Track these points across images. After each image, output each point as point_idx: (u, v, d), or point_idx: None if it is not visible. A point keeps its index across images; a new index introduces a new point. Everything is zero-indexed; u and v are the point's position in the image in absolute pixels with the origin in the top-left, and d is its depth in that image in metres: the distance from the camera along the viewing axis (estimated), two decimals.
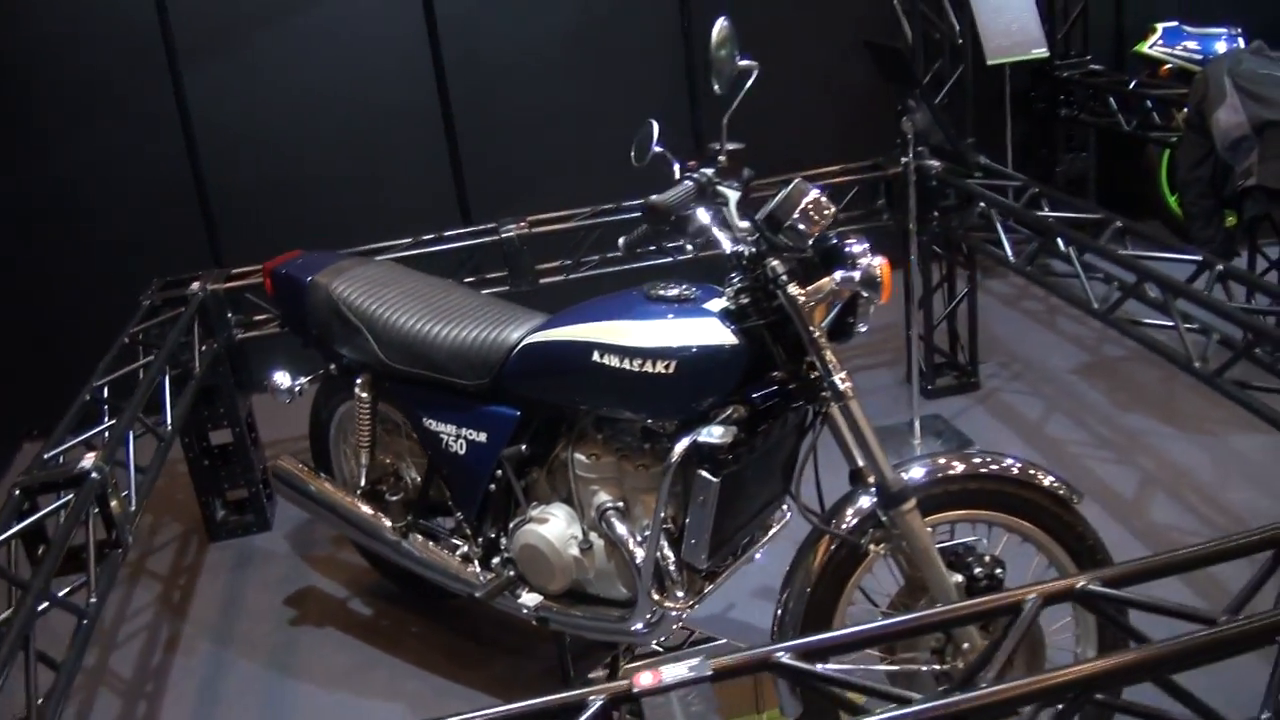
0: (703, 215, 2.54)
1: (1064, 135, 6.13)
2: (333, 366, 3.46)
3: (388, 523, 3.37)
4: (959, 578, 2.49)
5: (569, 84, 5.63)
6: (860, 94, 5.65)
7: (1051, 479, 2.59)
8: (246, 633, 3.81)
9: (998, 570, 2.53)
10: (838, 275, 2.46)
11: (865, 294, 2.49)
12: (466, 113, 5.57)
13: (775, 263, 2.47)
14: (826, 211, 2.44)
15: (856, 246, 2.50)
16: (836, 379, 2.48)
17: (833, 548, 2.58)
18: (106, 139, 5.31)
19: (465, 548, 3.19)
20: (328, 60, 5.43)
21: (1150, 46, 5.74)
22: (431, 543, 3.30)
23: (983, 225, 4.16)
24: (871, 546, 2.54)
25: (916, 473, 2.57)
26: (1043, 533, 2.59)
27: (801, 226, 2.43)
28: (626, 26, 5.59)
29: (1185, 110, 4.72)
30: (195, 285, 4.18)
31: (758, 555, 2.98)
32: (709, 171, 2.53)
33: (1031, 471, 2.58)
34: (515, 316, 3.05)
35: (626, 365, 2.62)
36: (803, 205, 2.43)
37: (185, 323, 3.94)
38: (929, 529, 2.51)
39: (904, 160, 4.02)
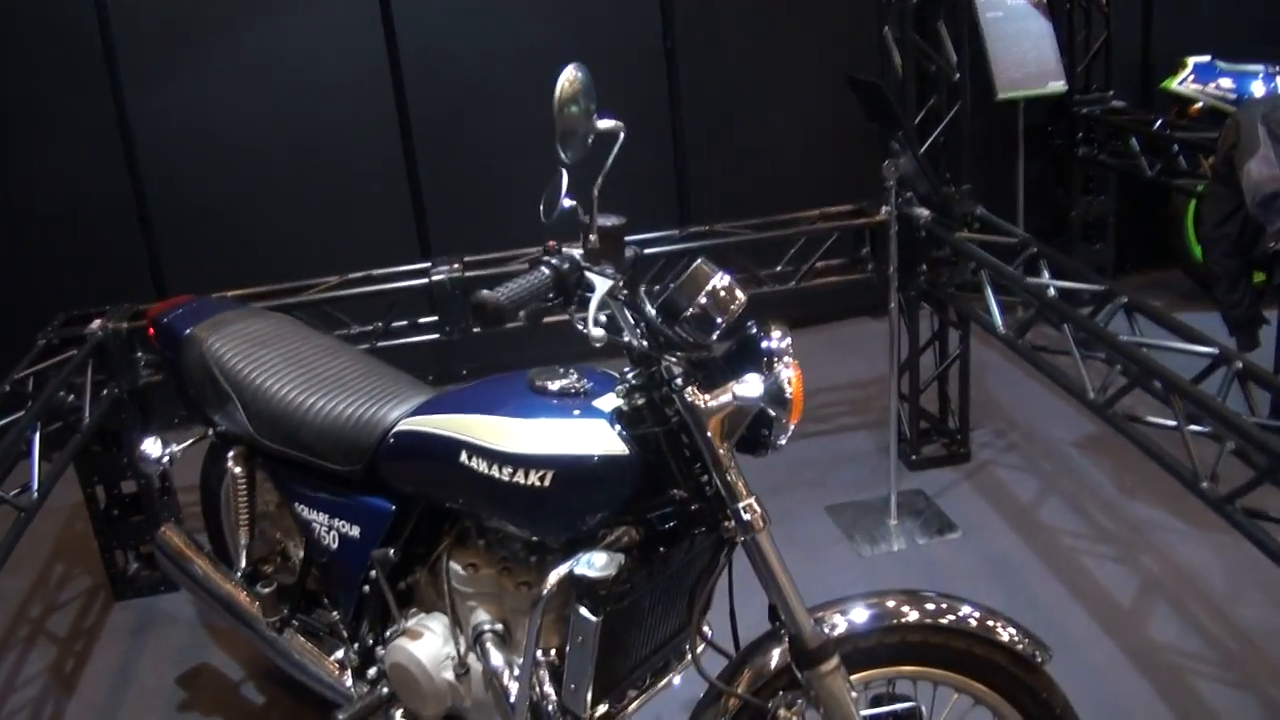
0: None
1: (1082, 176, 5.62)
2: (210, 432, 3.05)
3: (262, 615, 2.95)
4: None
5: (540, 106, 5.19)
6: (853, 133, 5.19)
7: (1013, 633, 2.11)
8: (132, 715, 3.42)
9: None
10: (735, 389, 2.00)
11: (771, 412, 2.04)
12: (428, 136, 5.17)
13: (671, 361, 2.02)
14: (736, 300, 1.99)
15: (777, 342, 2.05)
16: (740, 507, 2.02)
17: (735, 710, 2.12)
18: (44, 156, 4.93)
19: (342, 653, 2.77)
20: (281, 76, 5.04)
21: (1180, 83, 5.22)
22: (309, 642, 2.88)
23: (974, 284, 3.69)
24: (782, 711, 2.08)
25: (849, 619, 2.11)
26: (1000, 698, 2.13)
27: (703, 317, 1.98)
28: (604, 45, 5.14)
29: (1213, 158, 4.21)
30: (95, 324, 3.78)
31: (676, 680, 2.52)
32: (576, 254, 2.06)
33: (991, 623, 2.11)
34: (399, 392, 2.62)
35: (496, 472, 2.18)
36: (707, 290, 1.98)
37: (74, 366, 3.55)
38: (857, 690, 2.05)
39: (884, 209, 3.56)
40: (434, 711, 2.50)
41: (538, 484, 2.13)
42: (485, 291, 1.85)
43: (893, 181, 3.46)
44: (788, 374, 1.96)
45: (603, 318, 2.04)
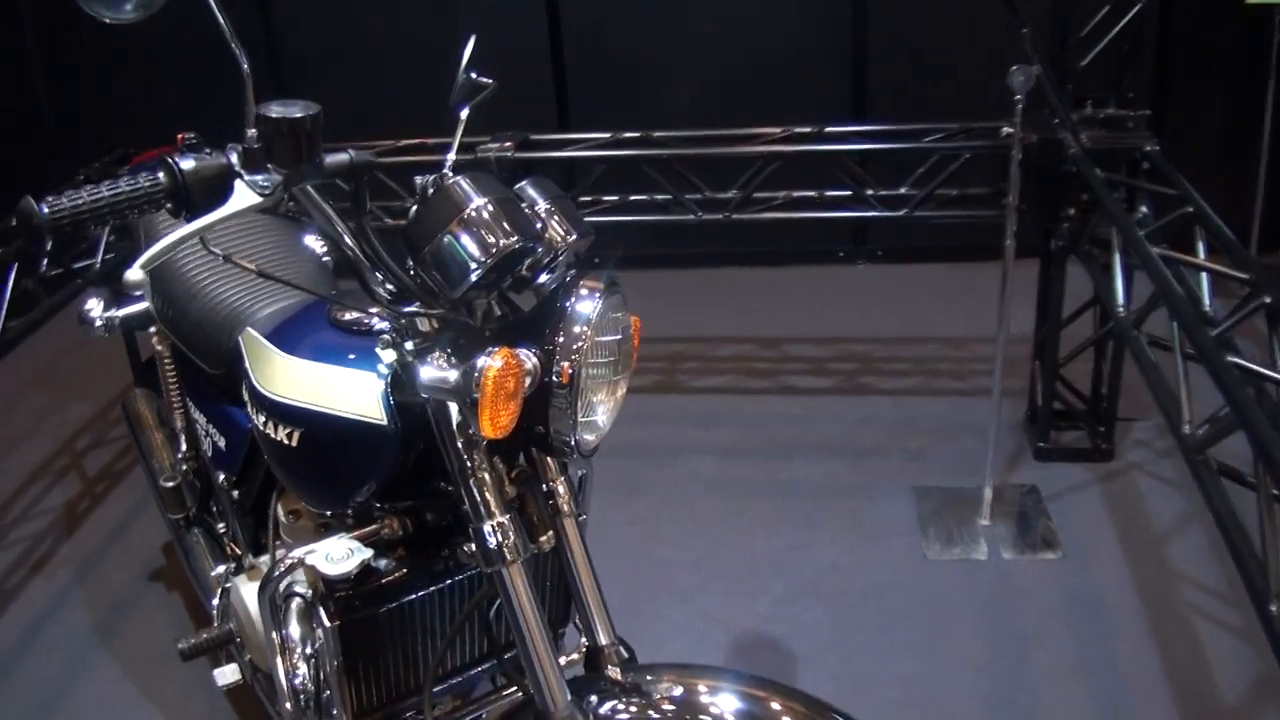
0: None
1: None
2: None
3: (170, 509, 2.64)
4: None
5: None
6: None
7: None
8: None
9: None
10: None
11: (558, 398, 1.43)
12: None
13: (412, 315, 1.46)
14: (499, 237, 1.39)
15: (579, 303, 1.45)
16: (486, 528, 1.46)
17: None
18: None
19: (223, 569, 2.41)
20: None
21: None
22: (208, 551, 2.55)
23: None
24: None
25: (620, 709, 1.54)
26: None
27: (448, 258, 1.40)
28: None
29: None
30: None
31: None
32: (230, 157, 1.43)
33: None
34: (278, 294, 2.16)
35: (258, 416, 1.73)
36: (458, 219, 1.39)
37: None
38: None
39: (1005, 130, 2.78)
40: (262, 663, 2.10)
41: (285, 440, 1.69)
42: (31, 199, 1.32)
43: (1020, 93, 2.67)
44: (493, 364, 1.33)
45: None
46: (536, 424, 1.46)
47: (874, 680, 2.69)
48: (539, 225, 1.49)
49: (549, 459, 1.63)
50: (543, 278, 1.49)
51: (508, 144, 3.33)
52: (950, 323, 4.31)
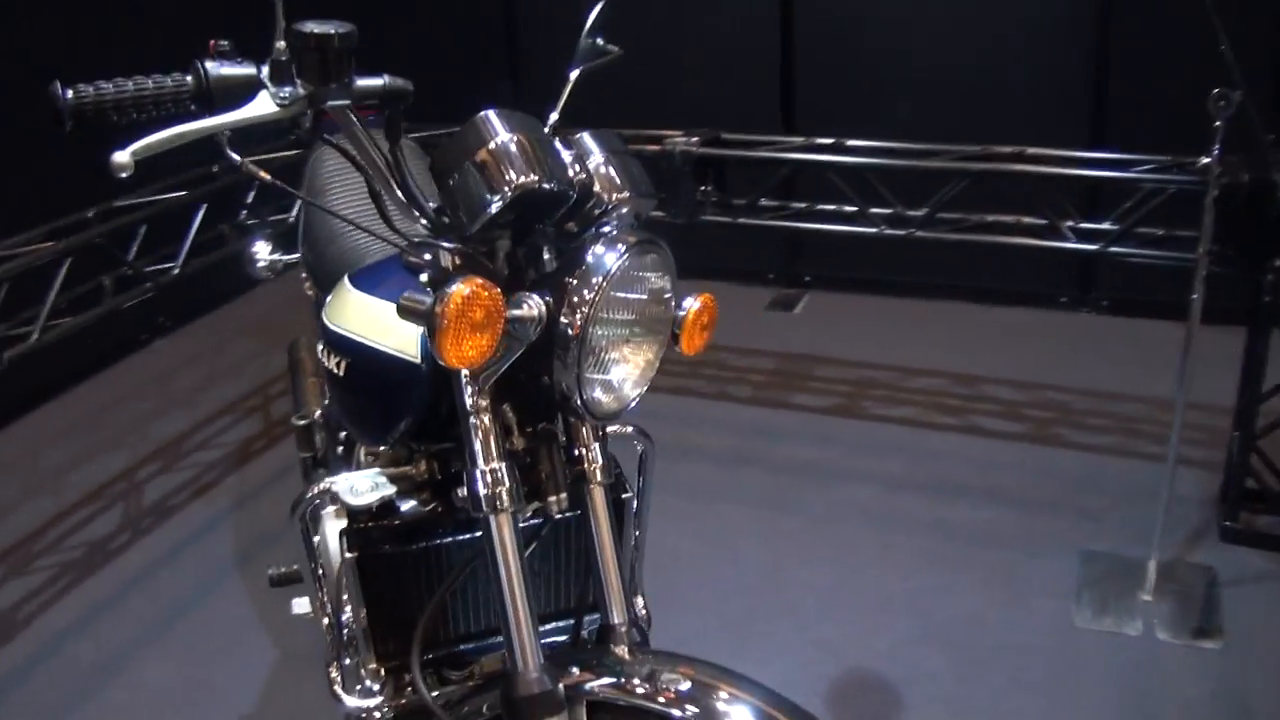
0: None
1: None
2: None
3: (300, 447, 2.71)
4: None
5: None
6: None
7: None
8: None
9: None
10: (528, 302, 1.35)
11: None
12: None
13: (435, 250, 1.43)
14: (514, 174, 1.33)
15: (608, 254, 1.37)
16: (477, 472, 1.41)
17: None
18: None
19: None
20: None
21: None
22: None
23: None
24: None
25: (600, 679, 1.44)
26: None
27: (467, 190, 1.35)
28: None
29: None
30: None
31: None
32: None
33: None
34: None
35: (321, 346, 1.74)
36: (480, 153, 1.35)
37: None
38: None
39: (1203, 159, 2.52)
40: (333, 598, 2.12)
41: (335, 369, 1.69)
42: (59, 84, 1.32)
43: (1219, 120, 2.41)
44: (460, 290, 1.25)
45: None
46: (542, 374, 1.39)
47: None
48: (583, 175, 1.42)
49: (584, 426, 1.56)
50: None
51: (695, 139, 3.28)
52: (1166, 384, 3.96)
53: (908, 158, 3.18)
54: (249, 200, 3.81)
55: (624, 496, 1.78)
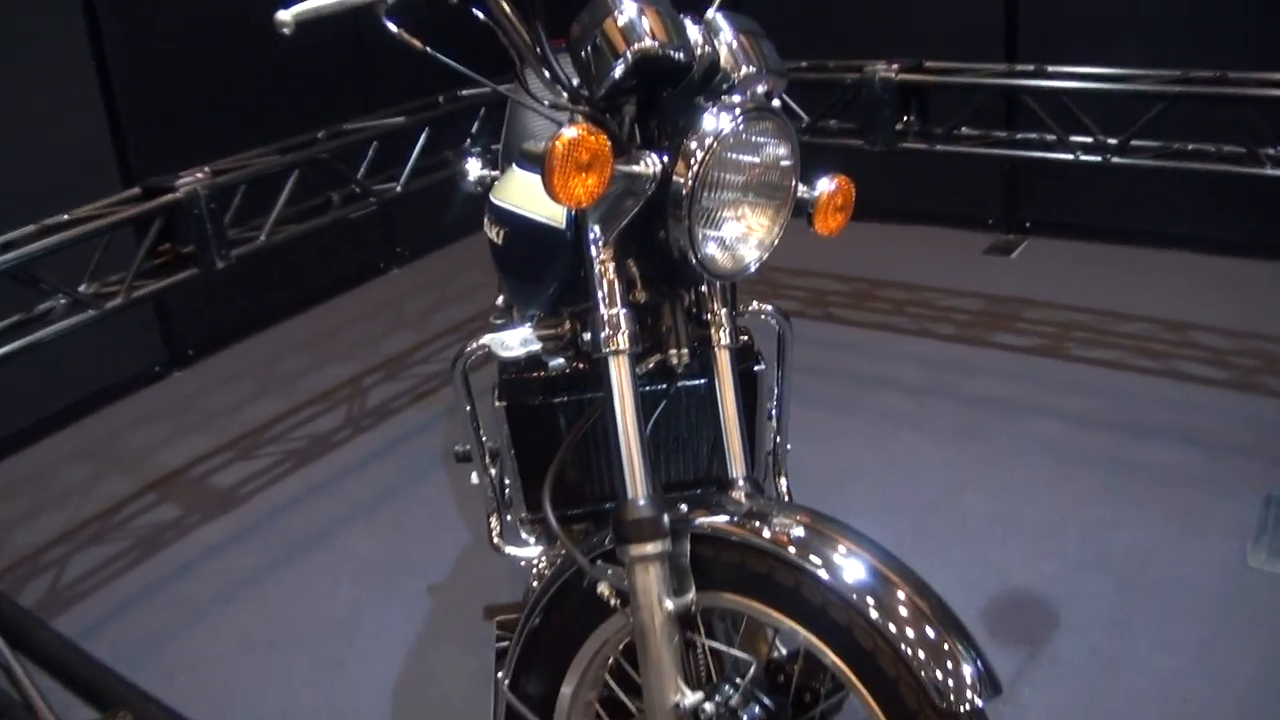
0: None
1: None
2: None
3: None
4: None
5: None
6: None
7: (942, 657, 1.36)
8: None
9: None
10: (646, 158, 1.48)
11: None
12: None
13: (570, 110, 1.56)
14: (637, 42, 1.45)
15: (722, 115, 1.47)
16: (598, 315, 1.55)
17: (569, 575, 1.68)
18: None
19: None
20: None
21: None
22: None
23: None
24: (603, 590, 1.60)
25: (713, 516, 1.54)
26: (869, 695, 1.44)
27: (593, 59, 1.48)
28: None
29: None
30: None
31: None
32: None
33: (903, 629, 1.38)
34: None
35: (486, 221, 1.91)
36: (604, 26, 1.47)
37: None
38: (682, 599, 1.52)
39: None
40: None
41: (496, 238, 1.86)
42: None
43: None
44: (567, 133, 1.37)
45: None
46: (660, 230, 1.51)
47: (1130, 664, 2.48)
48: (710, 50, 1.52)
49: (712, 294, 1.67)
50: None
51: (895, 65, 3.30)
52: None
53: (1110, 82, 3.12)
54: (473, 129, 4.05)
55: (756, 369, 1.87)
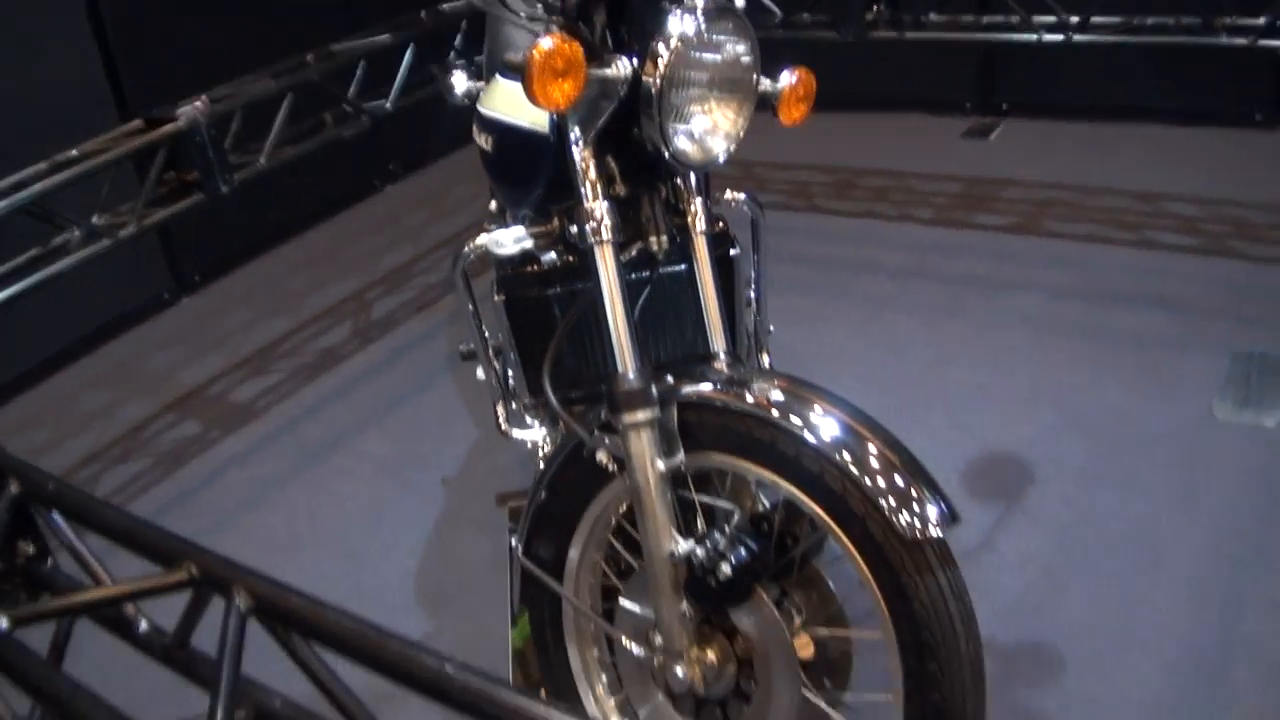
0: None
1: None
2: None
3: None
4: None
5: None
6: None
7: (897, 488, 1.52)
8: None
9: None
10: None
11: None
12: None
13: (545, 20, 1.69)
14: None
15: (685, 18, 1.60)
16: (583, 209, 1.69)
17: (571, 448, 1.84)
18: None
19: None
20: None
21: None
22: None
23: None
24: (601, 457, 1.76)
25: (697, 385, 1.70)
26: (860, 558, 1.60)
27: None
28: None
29: None
30: None
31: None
32: None
33: (868, 464, 1.55)
34: None
35: (474, 129, 2.06)
36: None
37: None
38: (672, 459, 1.68)
39: None
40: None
41: (485, 146, 2.01)
42: None
43: None
44: (544, 43, 1.50)
45: None
46: (634, 127, 1.65)
47: (1103, 511, 2.66)
48: None
49: (688, 185, 1.81)
50: None
51: None
52: None
53: None
54: (456, 43, 4.13)
55: (732, 253, 2.02)
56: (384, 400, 3.52)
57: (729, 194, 2.05)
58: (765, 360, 2.27)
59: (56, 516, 1.46)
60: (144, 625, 1.39)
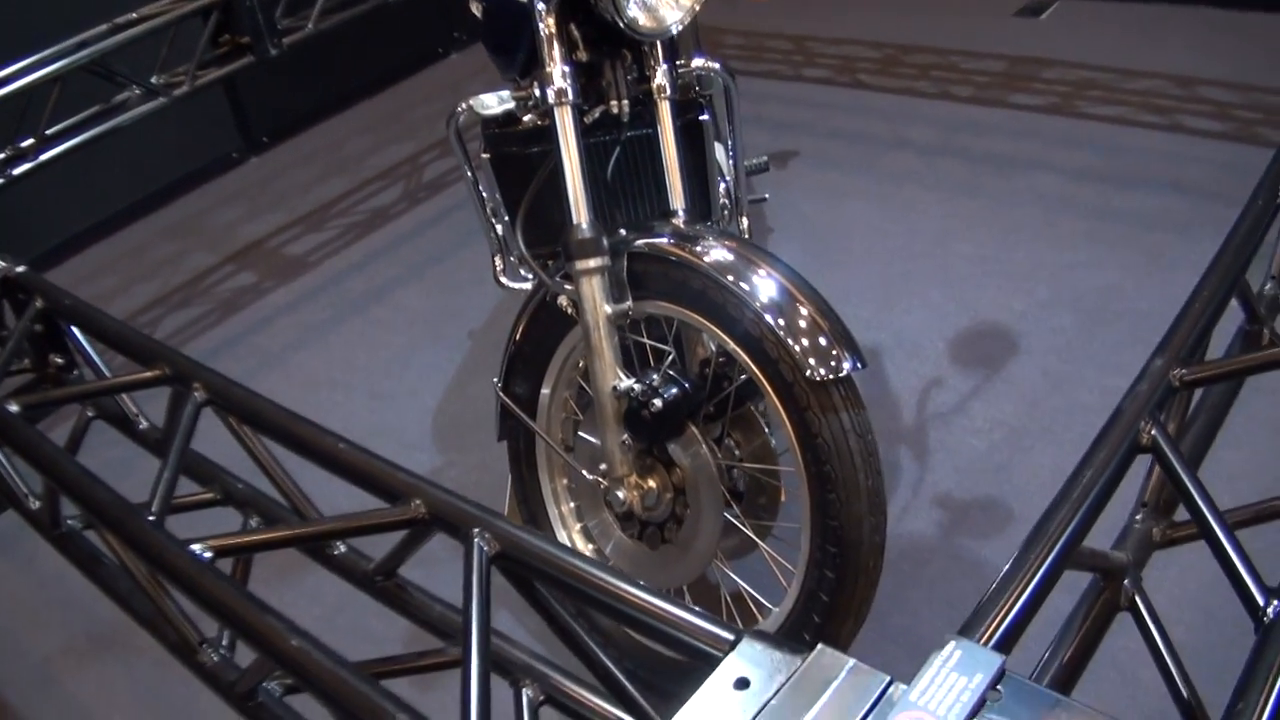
0: None
1: None
2: None
3: None
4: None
5: None
6: None
7: (804, 332, 1.72)
8: None
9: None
10: None
11: None
12: None
13: None
14: None
15: None
16: (544, 73, 1.86)
17: (541, 295, 2.05)
18: None
19: None
20: None
21: None
22: None
23: None
24: (562, 301, 1.97)
25: (647, 238, 1.89)
26: (774, 397, 1.80)
27: None
28: None
29: None
30: None
31: None
32: None
33: (783, 313, 1.74)
34: None
35: None
36: None
37: None
38: (620, 304, 1.88)
39: None
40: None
41: (477, 14, 2.17)
42: None
43: None
44: None
45: None
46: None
47: (1077, 383, 2.80)
48: None
49: (654, 54, 1.97)
50: None
51: None
52: None
53: None
54: None
55: (701, 119, 2.17)
56: (425, 257, 3.75)
57: (698, 60, 2.18)
58: (744, 223, 2.43)
59: (75, 331, 1.72)
60: (143, 424, 1.66)
